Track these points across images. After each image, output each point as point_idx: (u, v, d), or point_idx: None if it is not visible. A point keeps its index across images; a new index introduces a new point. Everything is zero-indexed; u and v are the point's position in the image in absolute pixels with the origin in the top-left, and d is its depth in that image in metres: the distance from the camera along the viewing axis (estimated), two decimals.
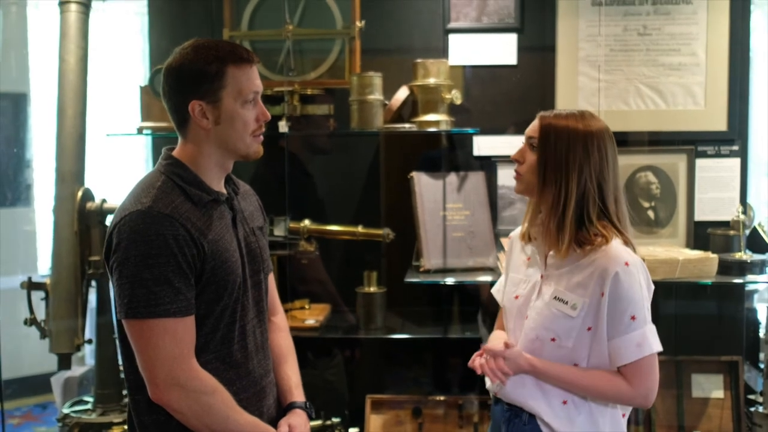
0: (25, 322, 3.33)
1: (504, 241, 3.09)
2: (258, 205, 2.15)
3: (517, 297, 2.16)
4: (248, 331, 1.96)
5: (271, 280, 2.19)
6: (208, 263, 1.84)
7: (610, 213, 2.05)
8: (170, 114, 1.92)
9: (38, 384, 4.28)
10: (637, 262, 2.03)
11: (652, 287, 2.08)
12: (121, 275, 1.79)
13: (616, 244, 2.02)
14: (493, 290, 2.38)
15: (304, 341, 3.16)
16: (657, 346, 2.04)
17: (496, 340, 2.22)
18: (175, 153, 1.93)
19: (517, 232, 2.30)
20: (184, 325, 1.81)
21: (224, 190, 1.97)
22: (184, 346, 1.81)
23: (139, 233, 1.77)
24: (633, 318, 2.00)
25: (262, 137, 1.94)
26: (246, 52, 1.89)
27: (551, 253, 2.10)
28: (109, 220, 2.96)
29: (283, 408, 2.09)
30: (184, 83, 1.86)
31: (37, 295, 3.34)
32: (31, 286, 3.32)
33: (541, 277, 2.12)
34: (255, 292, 2.00)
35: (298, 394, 2.12)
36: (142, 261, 1.76)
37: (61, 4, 3.33)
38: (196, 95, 1.85)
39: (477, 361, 2.08)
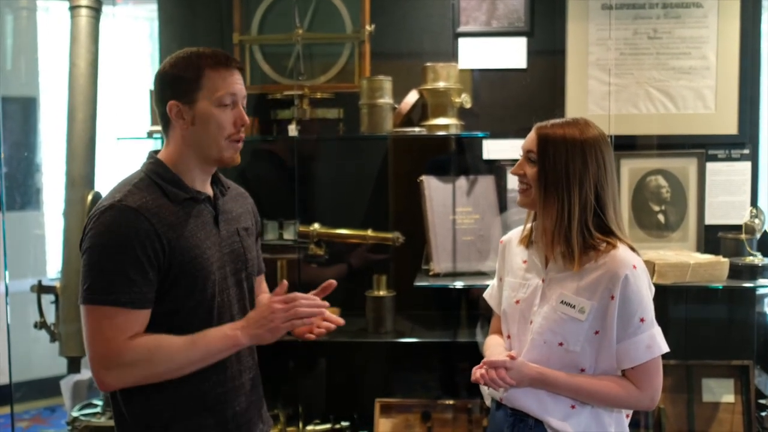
0: (35, 326, 3.34)
1: None
2: (250, 209, 2.19)
3: (518, 302, 2.15)
4: None
5: (262, 282, 2.26)
6: (175, 258, 1.87)
7: (610, 220, 2.06)
8: (158, 118, 2.00)
9: (48, 387, 4.29)
10: (641, 266, 2.05)
11: (653, 289, 2.09)
12: (84, 263, 1.85)
13: (622, 248, 2.04)
14: (485, 295, 2.38)
15: (313, 344, 3.15)
16: (665, 347, 2.05)
17: (494, 347, 2.22)
18: (159, 154, 1.99)
19: (509, 236, 2.30)
20: (133, 317, 1.84)
21: (209, 190, 2.02)
22: (121, 333, 1.83)
23: (105, 225, 1.83)
24: (642, 320, 2.01)
25: (240, 144, 1.98)
26: (226, 57, 1.95)
27: (555, 257, 2.10)
28: None
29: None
30: (165, 86, 1.95)
31: (47, 299, 3.36)
32: (41, 289, 3.34)
33: (542, 281, 2.12)
34: (237, 290, 2.04)
35: None
36: (102, 251, 1.82)
37: (71, 8, 3.35)
38: (173, 96, 1.92)
39: (478, 372, 2.07)
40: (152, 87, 1.99)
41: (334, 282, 2.03)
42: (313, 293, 2.05)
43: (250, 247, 2.11)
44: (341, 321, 2.07)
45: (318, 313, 1.95)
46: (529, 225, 2.20)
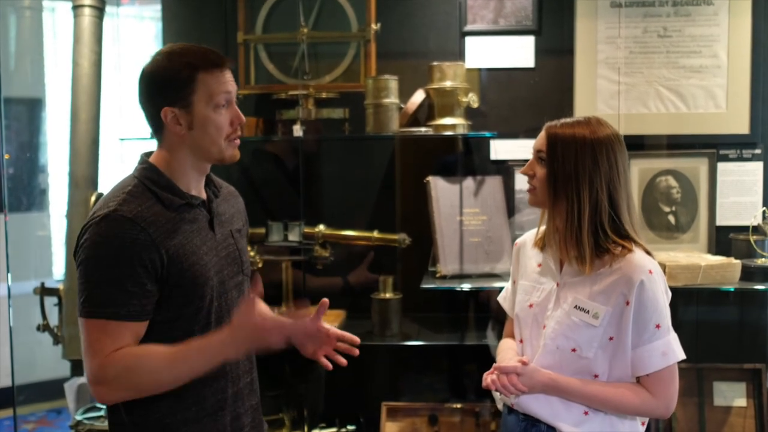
0: (38, 328, 3.33)
1: None
2: (241, 209, 2.16)
3: (531, 305, 2.12)
4: None
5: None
6: (174, 266, 1.84)
7: (624, 222, 2.03)
8: (146, 120, 1.94)
9: (52, 389, 4.27)
10: (658, 270, 2.01)
11: (670, 294, 2.06)
12: (80, 276, 1.82)
13: (638, 252, 2.01)
14: (500, 298, 2.36)
15: None
16: (681, 354, 2.02)
17: (506, 351, 2.19)
18: (151, 158, 1.95)
19: (524, 238, 2.27)
20: (131, 329, 1.81)
21: (203, 193, 1.99)
22: (117, 346, 1.80)
23: (100, 236, 1.79)
24: (658, 326, 1.98)
25: (238, 141, 1.96)
26: (217, 56, 1.91)
27: (569, 260, 2.06)
28: None
29: None
30: (155, 90, 1.90)
31: (50, 301, 3.34)
32: (44, 291, 3.33)
33: (557, 285, 2.09)
34: (236, 293, 2.01)
35: None
36: (99, 263, 1.79)
37: (74, 8, 3.33)
38: (167, 102, 1.88)
39: (489, 378, 2.04)
40: (138, 86, 1.93)
41: (326, 300, 1.98)
42: (309, 320, 1.99)
43: (244, 249, 2.08)
44: (356, 339, 2.05)
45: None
46: (543, 227, 2.17)
